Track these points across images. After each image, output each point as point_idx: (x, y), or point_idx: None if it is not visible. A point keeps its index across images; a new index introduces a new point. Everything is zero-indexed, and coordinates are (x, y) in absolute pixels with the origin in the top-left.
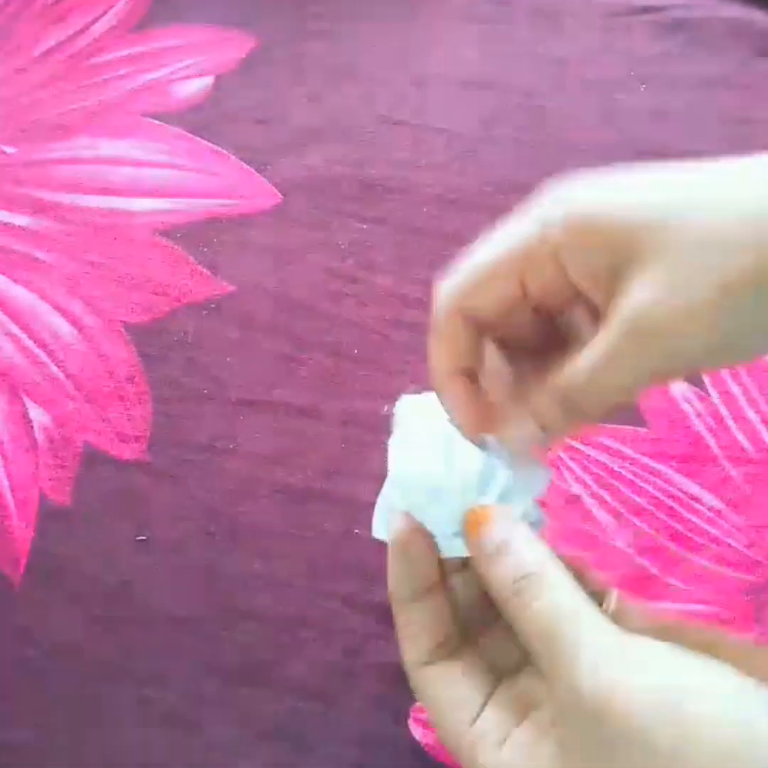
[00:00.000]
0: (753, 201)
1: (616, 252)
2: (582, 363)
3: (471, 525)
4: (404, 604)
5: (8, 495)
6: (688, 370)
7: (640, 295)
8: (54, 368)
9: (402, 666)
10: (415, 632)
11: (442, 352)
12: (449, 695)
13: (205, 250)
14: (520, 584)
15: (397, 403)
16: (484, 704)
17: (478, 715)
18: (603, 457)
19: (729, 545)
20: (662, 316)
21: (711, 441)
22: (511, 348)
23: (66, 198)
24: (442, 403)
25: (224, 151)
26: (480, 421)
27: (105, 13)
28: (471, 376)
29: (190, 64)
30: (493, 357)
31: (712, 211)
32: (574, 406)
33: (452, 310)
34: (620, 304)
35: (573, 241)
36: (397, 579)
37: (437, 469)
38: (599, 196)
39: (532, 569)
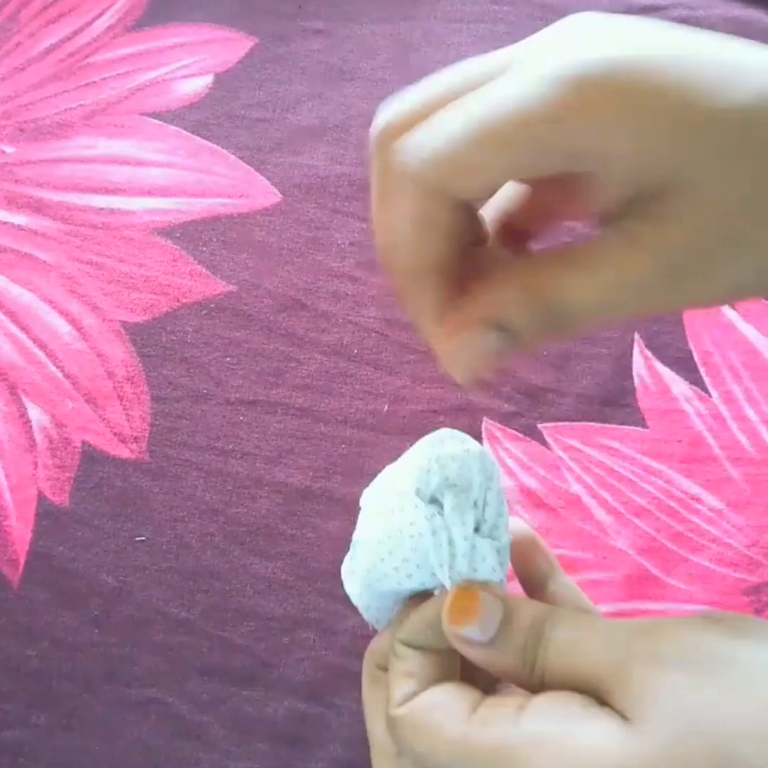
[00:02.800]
0: None
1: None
2: (596, 271)
3: (456, 612)
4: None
5: (7, 495)
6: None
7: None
8: (53, 368)
9: None
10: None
11: (421, 241)
12: (443, 694)
13: (205, 249)
14: (532, 659)
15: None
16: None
17: (480, 702)
18: (603, 457)
19: (729, 545)
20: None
21: (711, 441)
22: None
23: (65, 197)
24: (411, 308)
25: (224, 151)
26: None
27: (104, 12)
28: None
29: (190, 64)
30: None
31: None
32: (558, 319)
33: (434, 187)
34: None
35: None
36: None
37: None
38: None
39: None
